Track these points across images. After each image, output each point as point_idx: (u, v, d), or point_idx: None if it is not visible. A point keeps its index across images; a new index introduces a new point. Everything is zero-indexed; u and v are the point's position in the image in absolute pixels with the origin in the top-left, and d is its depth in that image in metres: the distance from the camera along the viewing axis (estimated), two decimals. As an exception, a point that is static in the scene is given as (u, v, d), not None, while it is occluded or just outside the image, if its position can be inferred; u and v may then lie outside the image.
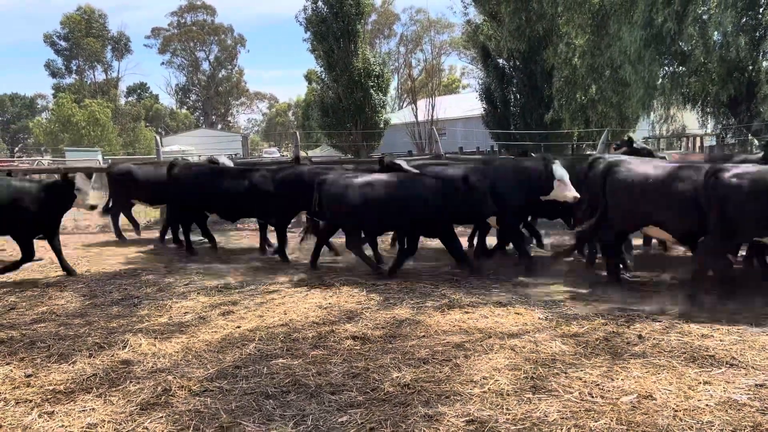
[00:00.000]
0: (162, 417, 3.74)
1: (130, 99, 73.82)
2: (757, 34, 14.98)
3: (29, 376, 4.46)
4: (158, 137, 16.66)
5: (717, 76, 15.45)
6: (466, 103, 41.37)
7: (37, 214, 7.63)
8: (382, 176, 7.83)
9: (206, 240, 9.76)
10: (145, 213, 13.55)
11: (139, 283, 7.45)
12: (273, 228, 9.15)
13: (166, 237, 10.32)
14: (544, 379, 4.14)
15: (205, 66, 76.94)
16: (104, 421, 3.72)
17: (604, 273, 7.06)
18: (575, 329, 5.21)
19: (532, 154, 9.89)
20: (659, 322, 5.36)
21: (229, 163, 10.40)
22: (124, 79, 77.29)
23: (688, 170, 6.22)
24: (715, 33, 15.04)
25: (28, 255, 7.73)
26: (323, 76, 31.89)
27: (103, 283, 7.52)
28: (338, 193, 7.63)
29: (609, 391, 3.94)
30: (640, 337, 4.95)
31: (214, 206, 9.24)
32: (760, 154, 8.03)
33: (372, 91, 30.27)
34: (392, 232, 9.09)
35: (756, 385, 3.98)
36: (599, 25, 17.45)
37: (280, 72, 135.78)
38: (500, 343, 4.88)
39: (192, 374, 4.40)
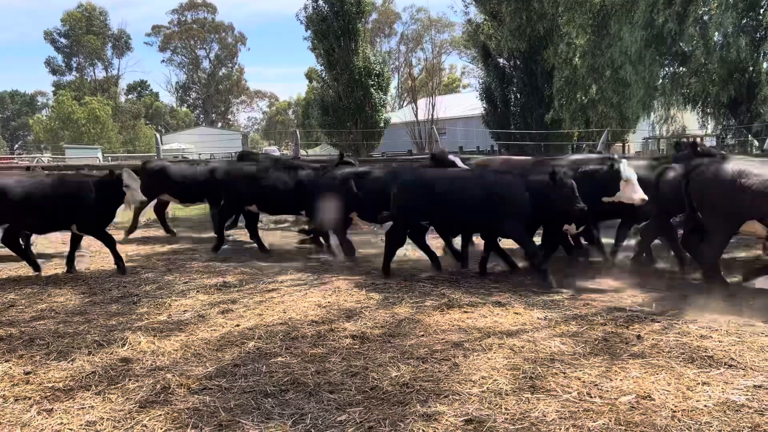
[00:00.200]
0: (161, 415, 3.74)
1: (130, 97, 73.89)
2: (758, 35, 14.99)
3: (28, 373, 4.45)
4: (158, 135, 16.68)
5: (717, 77, 15.46)
6: (466, 103, 41.42)
7: (97, 209, 7.82)
8: (466, 173, 7.67)
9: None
10: (145, 213, 13.47)
11: (139, 281, 7.45)
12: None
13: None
14: (543, 378, 4.14)
15: (206, 64, 77.10)
16: (103, 418, 3.72)
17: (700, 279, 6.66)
18: (574, 329, 5.21)
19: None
20: (658, 322, 5.37)
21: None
22: (124, 77, 77.14)
23: None
24: (716, 34, 15.05)
25: (109, 241, 7.98)
26: (323, 74, 31.92)
27: (103, 280, 7.51)
28: (437, 192, 7.25)
29: (607, 391, 3.94)
30: (638, 337, 4.95)
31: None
32: None
33: (372, 90, 30.29)
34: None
35: (754, 386, 3.98)
36: (600, 25, 17.47)
37: (281, 70, 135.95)
38: (499, 342, 4.88)
39: (191, 372, 4.40)
